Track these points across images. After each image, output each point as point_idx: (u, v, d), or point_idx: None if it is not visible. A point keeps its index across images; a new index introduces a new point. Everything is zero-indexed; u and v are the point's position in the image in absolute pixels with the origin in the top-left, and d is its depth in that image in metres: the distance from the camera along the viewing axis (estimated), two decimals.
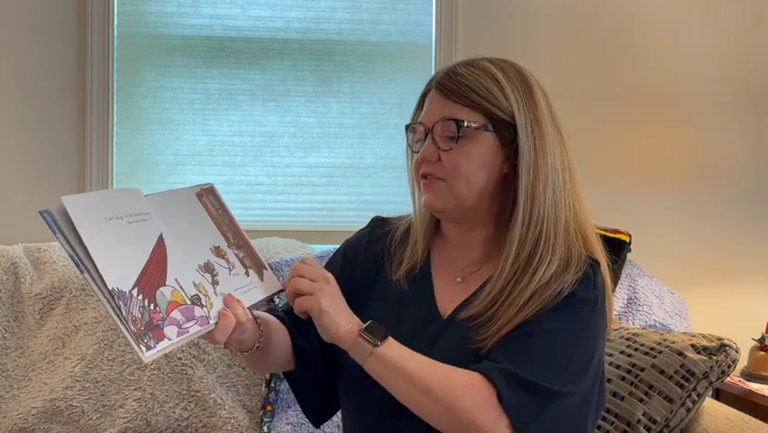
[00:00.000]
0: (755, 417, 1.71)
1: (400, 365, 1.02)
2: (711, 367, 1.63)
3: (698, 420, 1.70)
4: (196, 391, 1.88)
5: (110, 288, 0.89)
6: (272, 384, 1.88)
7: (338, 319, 1.04)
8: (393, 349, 1.03)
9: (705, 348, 1.66)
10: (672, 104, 2.52)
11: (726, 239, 2.52)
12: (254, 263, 1.10)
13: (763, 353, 2.23)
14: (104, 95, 2.35)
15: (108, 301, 0.89)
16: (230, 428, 1.84)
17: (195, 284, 0.99)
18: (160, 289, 0.94)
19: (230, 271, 1.05)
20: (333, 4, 2.46)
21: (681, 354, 1.64)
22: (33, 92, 2.34)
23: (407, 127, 1.20)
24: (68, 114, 2.35)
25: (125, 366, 1.90)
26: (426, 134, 1.14)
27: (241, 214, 2.44)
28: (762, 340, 2.24)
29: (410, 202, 1.25)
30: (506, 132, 1.11)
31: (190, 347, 1.91)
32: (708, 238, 2.52)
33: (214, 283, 1.01)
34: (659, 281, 2.16)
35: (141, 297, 0.91)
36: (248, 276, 1.07)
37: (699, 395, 1.63)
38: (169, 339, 0.92)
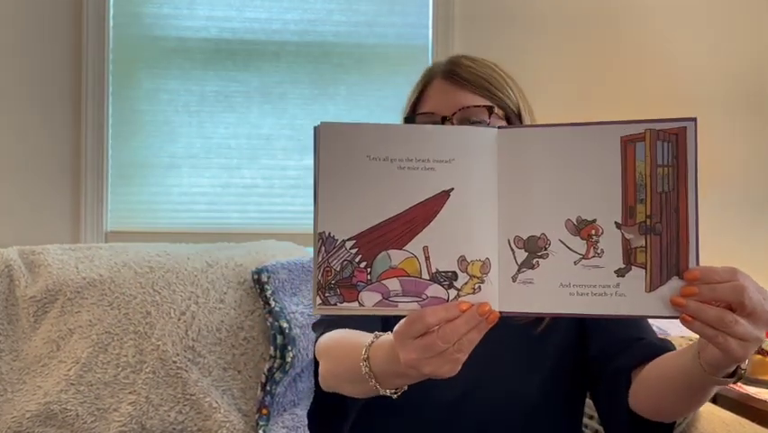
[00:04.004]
0: (753, 421, 1.71)
1: None
2: None
3: (695, 424, 1.69)
4: (192, 395, 1.87)
5: (320, 230, 0.81)
6: (268, 388, 1.87)
7: None
8: None
9: None
10: (671, 105, 2.51)
11: (726, 242, 2.51)
12: (663, 264, 0.81)
13: (761, 357, 2.22)
14: (99, 97, 2.34)
15: (315, 241, 0.82)
16: (225, 431, 1.84)
17: (465, 261, 0.80)
18: (389, 251, 0.81)
19: (580, 258, 0.79)
20: (330, 6, 2.46)
21: None
22: (29, 94, 2.33)
23: (413, 119, 1.17)
24: (63, 115, 2.34)
25: (120, 369, 1.89)
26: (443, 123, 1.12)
27: (236, 217, 2.44)
28: None
29: None
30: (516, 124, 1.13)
31: (185, 350, 1.90)
32: (706, 241, 2.51)
33: (525, 266, 0.80)
34: None
35: (354, 251, 0.81)
36: (620, 277, 0.79)
37: None
38: (361, 305, 0.81)
